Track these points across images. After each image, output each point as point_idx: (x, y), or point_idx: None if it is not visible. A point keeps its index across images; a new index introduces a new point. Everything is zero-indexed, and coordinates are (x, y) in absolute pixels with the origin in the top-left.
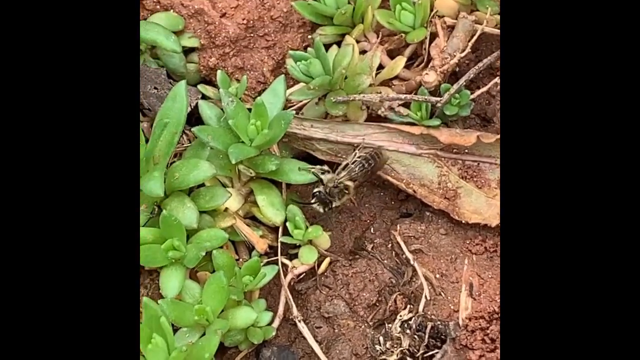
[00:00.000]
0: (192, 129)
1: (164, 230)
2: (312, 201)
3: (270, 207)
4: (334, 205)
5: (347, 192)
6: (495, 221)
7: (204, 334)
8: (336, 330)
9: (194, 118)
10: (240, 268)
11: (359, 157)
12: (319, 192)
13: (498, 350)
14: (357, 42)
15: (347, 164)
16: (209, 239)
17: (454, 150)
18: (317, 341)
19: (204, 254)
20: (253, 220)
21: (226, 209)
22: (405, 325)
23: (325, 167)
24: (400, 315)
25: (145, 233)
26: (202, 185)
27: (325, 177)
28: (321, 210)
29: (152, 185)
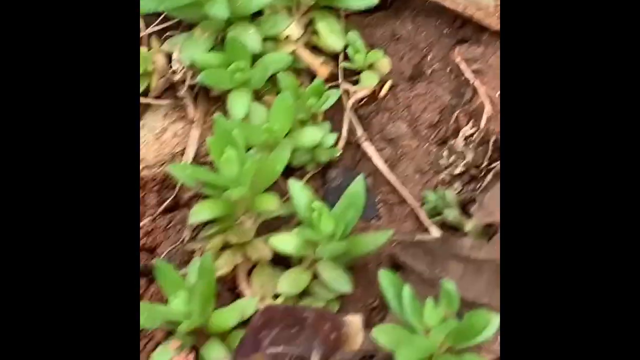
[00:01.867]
0: None
1: (229, 53)
2: None
3: (331, 34)
4: None
5: None
6: None
7: None
8: (399, 151)
9: None
10: (305, 90)
11: None
12: None
13: None
14: None
15: None
16: (273, 62)
17: None
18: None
19: (270, 74)
20: (313, 50)
21: (287, 37)
22: (469, 140)
23: None
24: (463, 131)
25: (210, 58)
26: (261, 15)
27: None
28: None
29: (217, 8)
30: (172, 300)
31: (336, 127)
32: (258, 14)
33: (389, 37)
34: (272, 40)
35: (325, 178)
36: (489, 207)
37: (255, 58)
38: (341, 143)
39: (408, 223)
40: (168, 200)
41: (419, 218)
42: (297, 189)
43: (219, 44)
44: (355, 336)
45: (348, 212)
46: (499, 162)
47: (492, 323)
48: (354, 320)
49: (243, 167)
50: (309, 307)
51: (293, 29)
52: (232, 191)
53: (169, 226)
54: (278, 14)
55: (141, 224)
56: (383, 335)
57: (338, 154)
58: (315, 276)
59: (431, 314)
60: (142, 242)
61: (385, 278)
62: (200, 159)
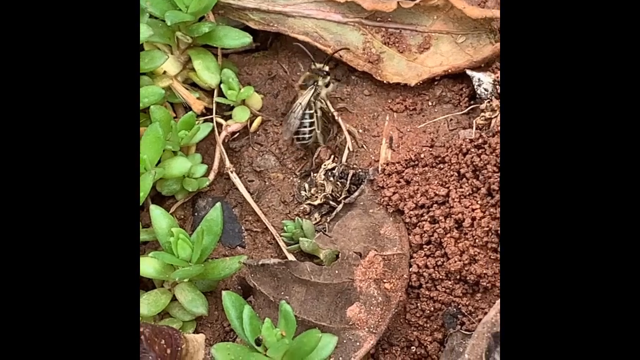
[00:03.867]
0: None
1: None
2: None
3: (206, 71)
4: None
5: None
6: (414, 81)
7: None
8: (266, 182)
9: None
10: (176, 123)
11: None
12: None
13: (410, 188)
14: None
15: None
16: (147, 95)
17: (378, 19)
18: (249, 192)
19: (141, 107)
20: (192, 86)
21: (165, 72)
22: (329, 174)
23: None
24: (325, 165)
25: None
26: (142, 50)
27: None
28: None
29: None
30: None
31: (209, 161)
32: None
33: (266, 75)
34: (150, 75)
35: (195, 207)
36: (334, 235)
37: None
38: (212, 175)
39: (270, 250)
40: None
41: (279, 246)
42: (158, 214)
43: None
44: (196, 353)
45: (205, 238)
46: (352, 195)
47: (326, 343)
48: (197, 338)
49: None
50: (146, 324)
51: (171, 65)
52: None
53: None
54: (156, 50)
55: None
56: (221, 352)
57: (206, 184)
58: (174, 298)
59: (269, 334)
60: None
61: (227, 299)
62: None
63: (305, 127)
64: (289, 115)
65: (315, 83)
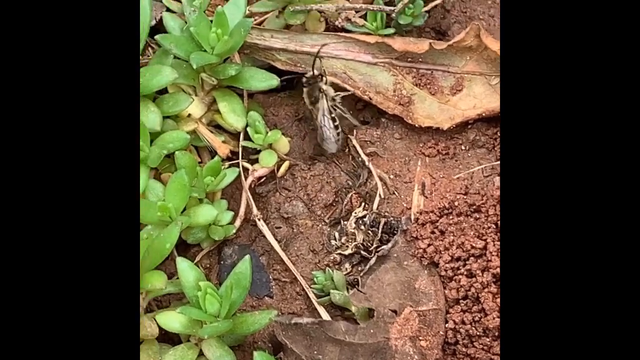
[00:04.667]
0: (156, 37)
1: None
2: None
3: (232, 114)
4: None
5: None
6: (447, 125)
7: None
8: (295, 230)
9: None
10: (202, 169)
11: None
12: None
13: (445, 239)
14: None
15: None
16: (171, 141)
17: (409, 59)
18: (276, 240)
19: (165, 152)
20: (216, 128)
21: (189, 115)
22: (360, 222)
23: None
24: (355, 213)
25: None
26: (166, 92)
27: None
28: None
29: None
30: None
31: (235, 206)
32: (163, 91)
33: (292, 116)
34: (174, 118)
35: (221, 255)
36: (368, 291)
37: (157, 135)
38: (238, 222)
39: (299, 302)
40: None
41: (309, 297)
42: (185, 267)
43: None
44: None
45: (234, 292)
46: (385, 245)
47: None
48: None
49: None
50: None
51: (195, 108)
52: None
53: None
54: (180, 92)
55: None
56: None
57: (232, 232)
58: (201, 353)
59: None
60: None
61: (259, 359)
62: None
63: (334, 131)
64: (322, 130)
65: (320, 90)
